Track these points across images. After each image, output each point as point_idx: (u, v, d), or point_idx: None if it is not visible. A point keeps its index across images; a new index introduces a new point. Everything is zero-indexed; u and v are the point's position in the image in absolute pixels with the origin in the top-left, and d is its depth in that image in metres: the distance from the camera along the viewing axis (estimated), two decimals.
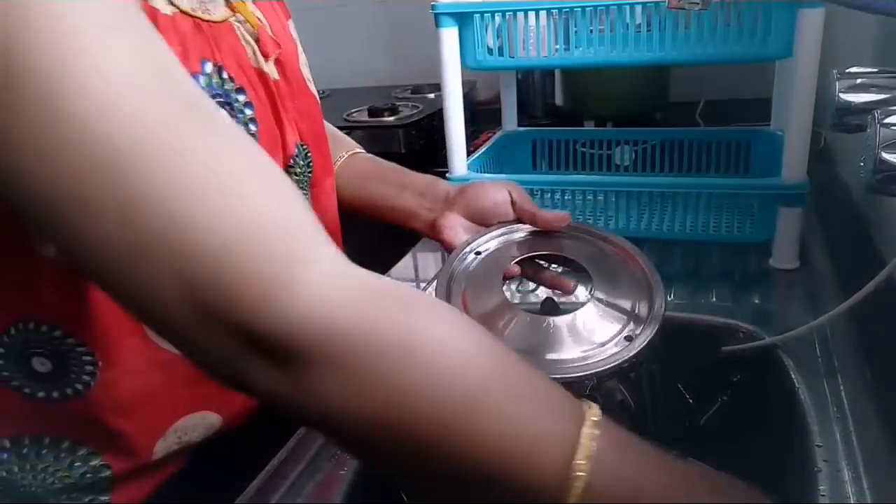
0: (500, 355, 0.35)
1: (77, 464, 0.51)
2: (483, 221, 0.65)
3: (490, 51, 0.89)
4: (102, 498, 0.53)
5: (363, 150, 0.77)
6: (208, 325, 0.31)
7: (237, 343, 0.32)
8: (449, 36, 0.87)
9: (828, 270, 0.79)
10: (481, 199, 0.65)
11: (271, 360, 0.32)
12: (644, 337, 0.52)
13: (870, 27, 0.88)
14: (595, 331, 0.53)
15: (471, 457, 0.32)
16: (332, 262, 0.33)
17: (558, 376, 0.50)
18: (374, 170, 0.73)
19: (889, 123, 0.43)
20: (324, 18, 2.06)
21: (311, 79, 0.63)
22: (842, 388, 0.57)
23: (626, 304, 0.56)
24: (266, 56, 0.53)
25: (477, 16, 0.87)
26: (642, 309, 0.55)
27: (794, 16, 0.72)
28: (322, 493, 0.54)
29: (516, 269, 0.61)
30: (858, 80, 0.49)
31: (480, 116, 1.65)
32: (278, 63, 0.55)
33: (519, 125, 1.19)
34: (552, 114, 1.62)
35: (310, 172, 0.60)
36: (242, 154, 0.34)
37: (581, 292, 0.80)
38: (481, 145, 1.10)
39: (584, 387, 0.65)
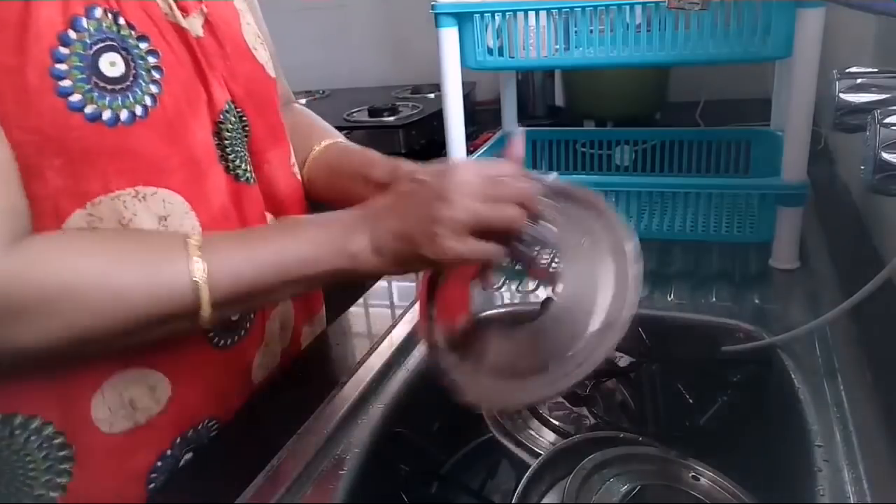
0: (105, 247, 0.48)
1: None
2: None
3: (490, 51, 0.89)
4: (60, 480, 0.53)
5: (341, 139, 0.76)
6: None
7: None
8: (449, 36, 0.87)
9: (828, 270, 0.79)
10: None
11: None
12: (615, 333, 0.48)
13: (870, 27, 0.88)
14: (563, 333, 0.50)
15: (130, 325, 0.47)
16: (2, 251, 0.44)
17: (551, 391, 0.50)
18: (340, 163, 0.71)
19: (889, 123, 0.43)
20: (324, 18, 2.06)
21: (256, 48, 0.64)
22: (842, 388, 0.57)
23: (599, 295, 0.50)
24: (185, 12, 0.55)
25: (477, 16, 0.87)
26: (616, 302, 0.49)
27: (793, 15, 0.73)
28: (322, 493, 0.54)
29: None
30: (858, 80, 0.49)
31: (480, 116, 1.65)
32: (207, 24, 0.57)
33: (519, 125, 1.19)
34: (552, 114, 1.63)
35: (246, 137, 0.61)
36: None
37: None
38: (481, 145, 1.10)
39: (584, 387, 0.65)
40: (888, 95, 0.48)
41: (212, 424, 0.61)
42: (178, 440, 0.58)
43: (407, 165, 0.64)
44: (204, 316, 0.48)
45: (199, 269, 0.47)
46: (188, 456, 0.60)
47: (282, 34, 2.44)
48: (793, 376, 0.61)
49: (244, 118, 0.60)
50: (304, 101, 1.94)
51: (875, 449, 0.51)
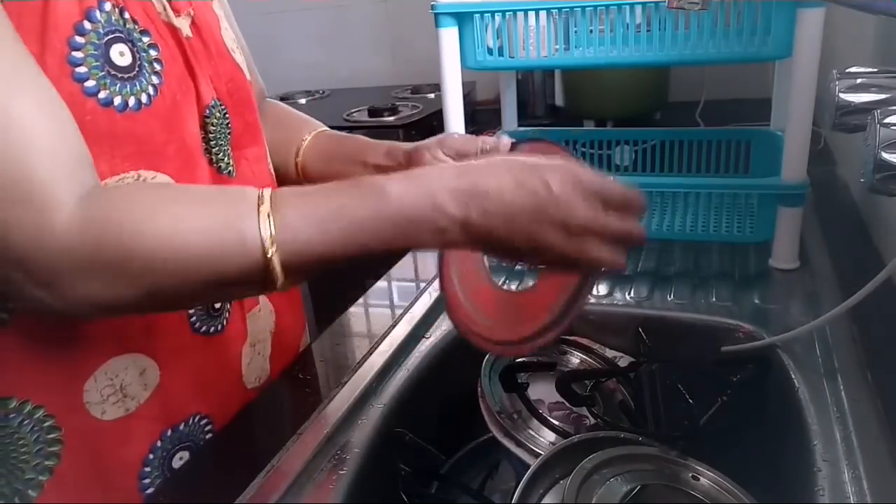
0: (173, 204, 0.46)
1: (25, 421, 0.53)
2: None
3: (490, 51, 0.89)
4: (49, 462, 0.53)
5: (327, 129, 0.79)
6: None
7: (12, 270, 0.43)
8: (449, 36, 0.87)
9: (828, 270, 0.79)
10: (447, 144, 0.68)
11: (36, 280, 0.43)
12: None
13: (870, 27, 0.88)
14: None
15: (202, 279, 0.45)
16: (75, 204, 0.43)
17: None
18: (334, 150, 0.75)
19: (889, 123, 0.43)
20: (324, 18, 2.06)
21: (234, 51, 0.67)
22: (842, 388, 0.57)
23: None
24: (176, 12, 0.58)
25: (477, 16, 0.87)
26: None
27: (793, 16, 0.73)
28: (322, 493, 0.54)
29: None
30: (858, 80, 0.49)
31: (480, 116, 1.65)
32: (194, 26, 0.60)
33: (519, 125, 1.18)
34: (552, 114, 1.63)
35: (228, 133, 0.63)
36: (24, 102, 0.43)
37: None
38: None
39: (584, 387, 0.65)
40: (888, 95, 0.48)
41: (204, 423, 0.62)
42: (169, 433, 0.59)
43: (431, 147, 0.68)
44: (278, 282, 0.45)
45: (267, 234, 0.44)
46: (182, 454, 0.60)
47: (282, 34, 2.46)
48: (793, 376, 0.61)
49: (227, 115, 0.63)
50: (303, 101, 1.95)
51: (875, 449, 0.51)
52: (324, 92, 2.02)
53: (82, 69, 0.49)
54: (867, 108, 0.46)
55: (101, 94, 0.50)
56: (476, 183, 0.45)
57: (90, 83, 0.50)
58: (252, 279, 0.45)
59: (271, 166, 0.72)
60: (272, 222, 0.44)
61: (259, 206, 0.45)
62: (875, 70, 0.49)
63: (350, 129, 1.53)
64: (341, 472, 0.56)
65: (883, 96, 0.48)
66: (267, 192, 0.46)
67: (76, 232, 0.43)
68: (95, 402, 0.54)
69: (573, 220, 0.45)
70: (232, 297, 0.60)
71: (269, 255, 0.44)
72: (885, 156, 0.43)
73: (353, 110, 1.66)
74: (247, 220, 0.44)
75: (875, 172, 0.43)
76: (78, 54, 0.49)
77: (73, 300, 0.44)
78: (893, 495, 0.47)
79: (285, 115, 0.81)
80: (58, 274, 0.43)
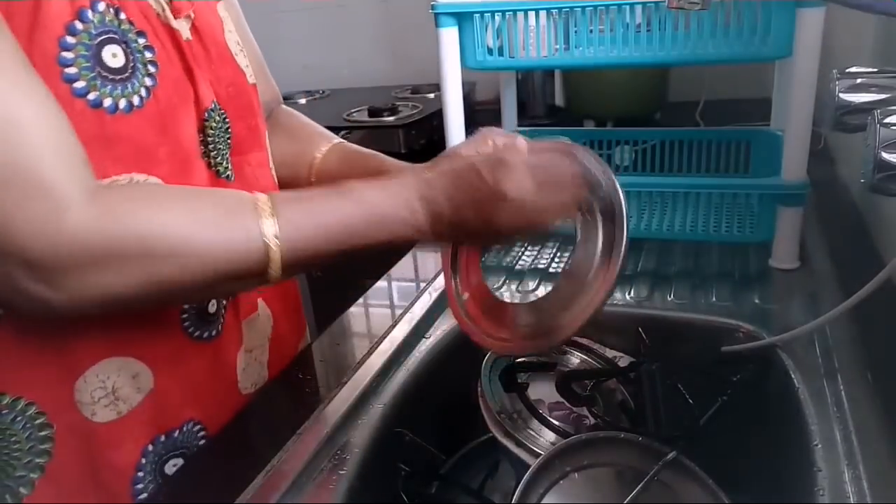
0: (184, 204, 0.49)
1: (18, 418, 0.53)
2: None
3: (490, 51, 0.89)
4: (39, 460, 0.53)
5: (337, 140, 0.77)
6: None
7: (14, 267, 0.43)
8: (449, 36, 0.87)
9: (828, 270, 0.79)
10: None
11: (40, 277, 0.44)
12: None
13: (870, 27, 0.88)
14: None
15: (202, 273, 0.48)
16: (85, 200, 0.45)
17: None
18: (349, 170, 0.73)
19: (889, 123, 0.43)
20: (324, 18, 2.06)
21: (237, 55, 0.66)
22: (842, 388, 0.57)
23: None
24: (176, 13, 0.58)
25: (477, 16, 0.87)
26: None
27: (793, 16, 0.73)
28: (322, 493, 0.54)
29: None
30: (858, 80, 0.49)
31: (480, 116, 1.65)
32: (194, 28, 0.60)
33: (519, 125, 1.18)
34: (552, 114, 1.63)
35: (228, 138, 0.63)
36: (27, 103, 0.44)
37: None
38: None
39: (584, 387, 0.65)
40: (888, 95, 0.48)
41: (198, 430, 0.61)
42: (163, 438, 0.58)
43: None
44: (273, 275, 0.49)
45: (270, 231, 0.48)
46: (176, 461, 0.60)
47: (282, 34, 2.46)
48: (793, 376, 0.61)
49: (227, 120, 0.62)
50: (303, 101, 1.95)
51: (875, 449, 0.51)
52: (324, 92, 2.02)
53: (72, 70, 0.49)
54: (867, 108, 0.46)
55: (91, 96, 0.50)
56: (429, 182, 0.53)
57: (80, 84, 0.49)
58: (252, 273, 0.49)
59: (274, 171, 0.71)
60: (276, 221, 0.48)
61: (261, 206, 0.49)
62: (875, 70, 0.49)
63: (350, 129, 1.53)
64: (341, 472, 0.56)
65: (883, 96, 0.48)
66: (264, 196, 0.50)
67: (91, 226, 0.44)
68: (86, 403, 0.54)
69: (508, 205, 0.52)
70: (227, 292, 0.61)
71: (272, 252, 0.48)
72: (885, 156, 0.43)
73: (353, 110, 1.66)
74: (251, 218, 0.48)
75: (875, 172, 0.43)
76: (68, 55, 0.48)
77: (80, 294, 0.45)
78: (893, 495, 0.47)
79: (297, 126, 0.80)
80: (67, 268, 0.44)
